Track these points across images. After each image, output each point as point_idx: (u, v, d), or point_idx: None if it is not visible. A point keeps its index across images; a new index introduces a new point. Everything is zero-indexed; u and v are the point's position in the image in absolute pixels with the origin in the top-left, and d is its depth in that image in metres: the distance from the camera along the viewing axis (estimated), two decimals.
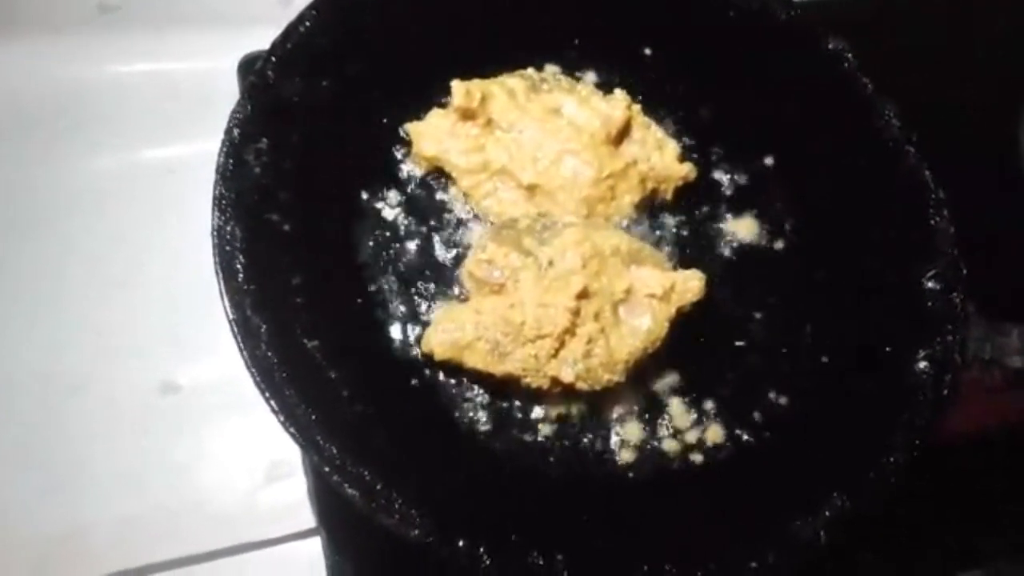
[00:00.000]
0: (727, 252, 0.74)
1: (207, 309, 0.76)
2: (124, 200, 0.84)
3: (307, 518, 0.74)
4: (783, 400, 0.69)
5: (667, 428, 0.67)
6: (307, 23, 0.68)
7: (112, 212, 0.83)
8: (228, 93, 0.83)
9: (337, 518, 0.70)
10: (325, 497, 0.71)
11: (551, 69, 0.77)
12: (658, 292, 0.65)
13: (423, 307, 0.67)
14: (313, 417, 0.57)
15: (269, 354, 0.58)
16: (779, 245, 0.74)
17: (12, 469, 0.74)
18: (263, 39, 0.77)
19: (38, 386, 0.77)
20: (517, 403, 0.66)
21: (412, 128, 0.72)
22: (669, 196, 0.73)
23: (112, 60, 0.90)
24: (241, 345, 0.58)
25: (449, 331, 0.63)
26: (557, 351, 0.63)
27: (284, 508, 0.74)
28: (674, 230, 0.73)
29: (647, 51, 0.79)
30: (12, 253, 0.81)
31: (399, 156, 0.72)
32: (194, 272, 0.79)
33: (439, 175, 0.72)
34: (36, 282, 0.80)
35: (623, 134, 0.72)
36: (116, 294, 0.81)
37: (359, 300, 0.67)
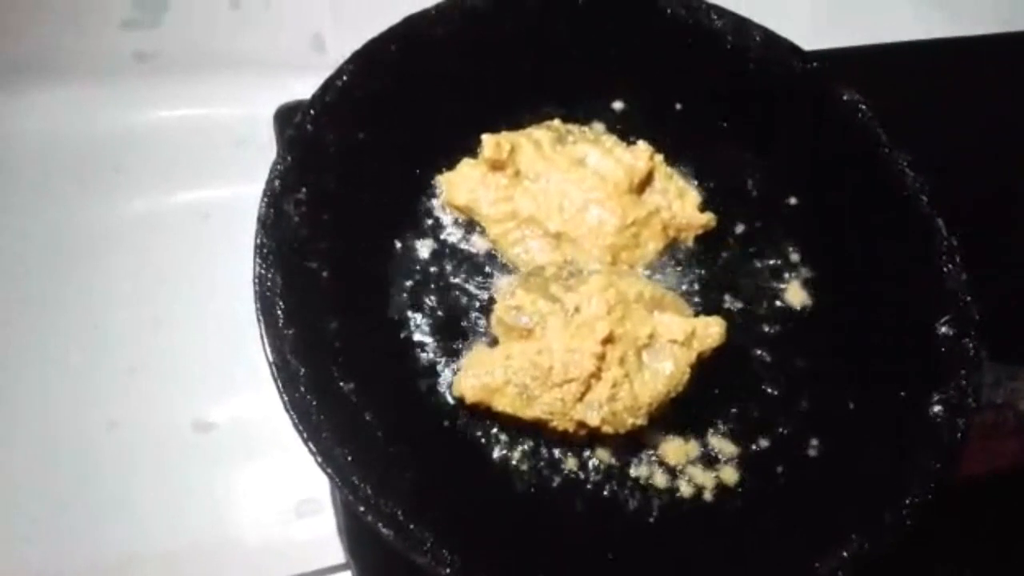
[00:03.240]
0: (746, 299, 0.75)
1: (239, 350, 0.79)
2: (161, 242, 0.87)
3: (336, 553, 0.76)
4: (801, 443, 0.70)
5: (688, 470, 0.68)
6: (344, 77, 0.70)
7: (149, 254, 0.86)
8: (262, 138, 0.87)
9: (367, 553, 0.72)
10: (356, 533, 0.72)
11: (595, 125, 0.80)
12: (680, 338, 0.66)
13: (455, 351, 0.69)
14: (349, 458, 0.59)
15: (307, 397, 0.60)
16: (797, 292, 0.76)
17: (47, 504, 0.76)
18: (297, 85, 0.80)
19: (74, 423, 0.79)
20: (544, 445, 0.67)
21: (444, 179, 0.74)
22: (691, 244, 0.75)
23: (148, 106, 0.93)
24: (281, 388, 0.60)
25: (479, 375, 0.65)
26: (583, 395, 0.64)
27: (314, 544, 0.77)
28: (695, 277, 0.75)
29: (677, 105, 0.81)
30: (52, 292, 0.83)
31: (431, 205, 0.74)
32: (226, 313, 0.82)
33: (470, 224, 0.74)
34: (74, 320, 0.83)
35: (645, 183, 0.74)
36: (151, 334, 0.83)
37: (393, 344, 0.68)
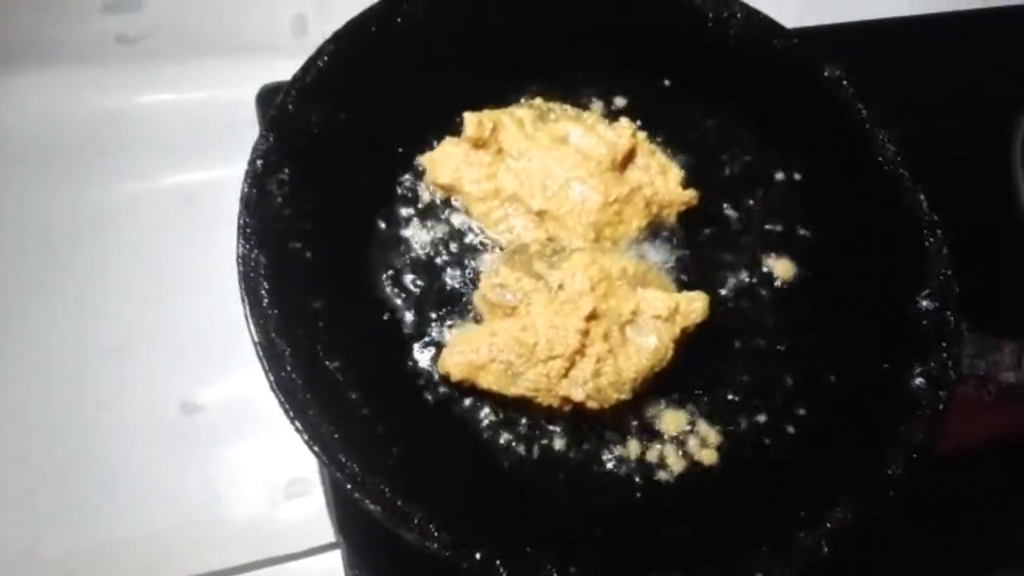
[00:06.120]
0: (729, 274, 0.76)
1: (224, 331, 0.79)
2: (144, 226, 0.87)
3: (326, 533, 0.76)
4: (784, 416, 0.71)
5: (673, 444, 0.69)
6: (325, 57, 0.70)
7: (133, 237, 0.86)
8: (244, 121, 0.87)
9: (356, 532, 0.72)
10: (345, 512, 0.73)
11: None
12: (663, 313, 0.67)
13: (439, 329, 0.69)
14: (335, 436, 0.59)
15: (293, 376, 0.60)
16: (779, 267, 0.76)
17: (37, 486, 0.76)
18: (278, 69, 0.80)
19: (63, 405, 0.79)
20: (530, 421, 0.68)
21: (427, 158, 0.74)
22: (673, 220, 0.76)
23: (131, 90, 0.93)
24: (266, 367, 0.60)
25: (464, 353, 0.65)
26: (568, 371, 0.65)
27: (304, 524, 0.77)
28: (678, 253, 0.75)
29: (666, 82, 0.82)
30: (36, 276, 0.83)
31: (415, 184, 0.74)
32: (212, 295, 0.82)
33: (453, 202, 0.74)
34: (60, 303, 0.82)
35: (628, 160, 0.75)
36: (137, 316, 0.83)
37: (378, 323, 0.69)
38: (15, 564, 0.73)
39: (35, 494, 0.75)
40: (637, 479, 0.68)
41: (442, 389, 0.68)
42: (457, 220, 0.74)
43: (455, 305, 0.71)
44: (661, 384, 0.69)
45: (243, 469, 0.79)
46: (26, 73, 0.91)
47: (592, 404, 0.65)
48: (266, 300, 0.62)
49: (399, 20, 0.73)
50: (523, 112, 0.75)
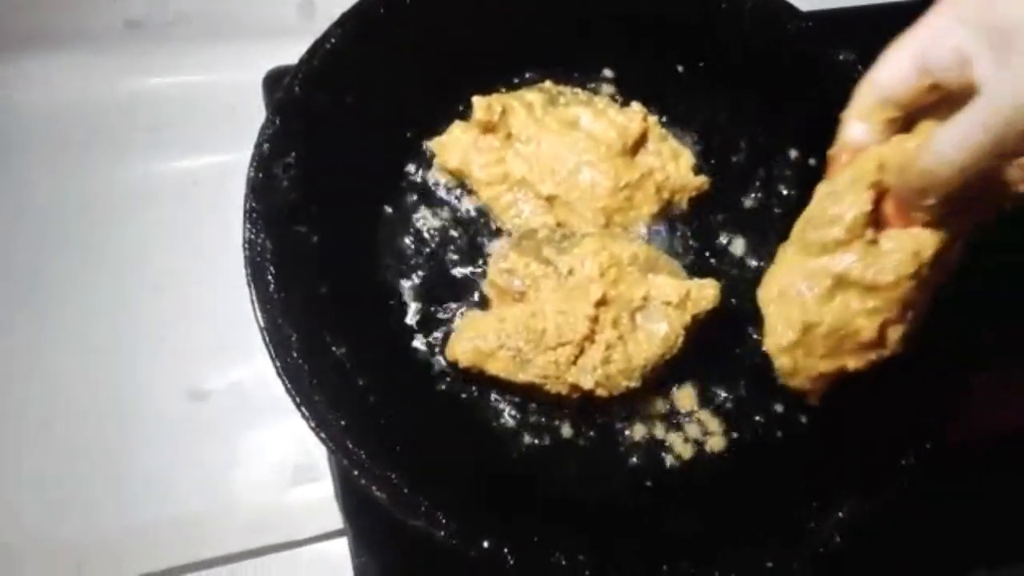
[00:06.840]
0: (741, 261, 0.75)
1: (231, 317, 0.78)
2: (151, 210, 0.86)
3: (333, 520, 0.75)
4: (796, 404, 0.70)
5: (683, 432, 0.68)
6: (332, 40, 0.69)
7: (140, 222, 0.85)
8: (252, 105, 0.86)
9: (364, 519, 0.71)
10: (352, 499, 0.72)
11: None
12: (674, 300, 0.66)
13: (447, 315, 0.69)
14: (342, 423, 0.59)
15: (300, 362, 0.60)
16: None
17: (43, 473, 0.76)
18: (287, 52, 0.79)
19: (70, 395, 0.78)
20: (538, 408, 0.67)
21: (435, 142, 0.74)
22: (685, 206, 0.75)
23: (139, 74, 0.92)
24: (272, 353, 0.60)
25: (472, 339, 0.65)
26: (577, 358, 0.65)
27: (311, 510, 0.76)
28: (690, 239, 0.75)
29: (678, 66, 0.81)
30: (43, 261, 0.83)
31: (423, 169, 0.74)
32: (216, 280, 0.81)
33: (461, 187, 0.73)
34: (65, 290, 0.82)
35: (639, 145, 0.74)
36: (145, 302, 0.83)
37: (386, 309, 0.68)
38: (22, 552, 0.73)
39: (41, 482, 0.75)
40: (646, 467, 0.67)
41: (450, 376, 0.68)
42: (465, 205, 0.73)
43: (463, 291, 0.70)
44: (671, 372, 0.68)
45: (250, 455, 0.78)
46: (34, 58, 0.90)
47: (601, 392, 0.65)
48: (272, 285, 0.62)
49: (407, 2, 0.72)
50: (532, 96, 0.74)
